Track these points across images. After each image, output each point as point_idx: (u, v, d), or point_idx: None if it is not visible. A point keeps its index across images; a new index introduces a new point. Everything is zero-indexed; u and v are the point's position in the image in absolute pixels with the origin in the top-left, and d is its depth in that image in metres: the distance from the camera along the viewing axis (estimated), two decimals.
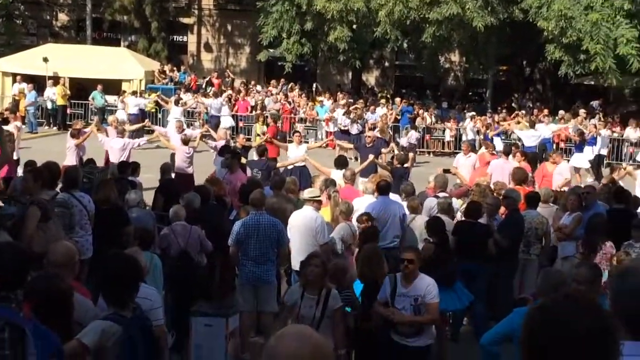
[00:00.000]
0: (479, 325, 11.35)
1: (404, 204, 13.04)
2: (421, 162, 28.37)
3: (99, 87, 32.88)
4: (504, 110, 33.74)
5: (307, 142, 25.66)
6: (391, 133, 28.37)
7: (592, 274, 6.27)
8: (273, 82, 38.18)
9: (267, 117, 28.47)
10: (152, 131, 22.72)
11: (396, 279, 8.49)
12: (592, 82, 36.46)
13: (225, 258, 11.18)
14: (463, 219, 12.38)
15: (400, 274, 8.48)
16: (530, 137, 26.85)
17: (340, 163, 15.88)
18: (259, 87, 37.62)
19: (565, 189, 16.07)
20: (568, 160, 19.43)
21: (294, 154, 18.66)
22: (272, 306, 10.25)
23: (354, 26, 35.60)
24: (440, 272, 10.47)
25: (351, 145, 22.50)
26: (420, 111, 32.94)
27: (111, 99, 33.25)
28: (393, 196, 13.21)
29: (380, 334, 8.51)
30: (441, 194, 13.82)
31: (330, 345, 2.70)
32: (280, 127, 26.28)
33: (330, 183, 13.42)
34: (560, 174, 18.16)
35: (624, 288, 3.28)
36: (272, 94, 35.01)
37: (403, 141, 25.98)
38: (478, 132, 29.99)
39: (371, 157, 17.49)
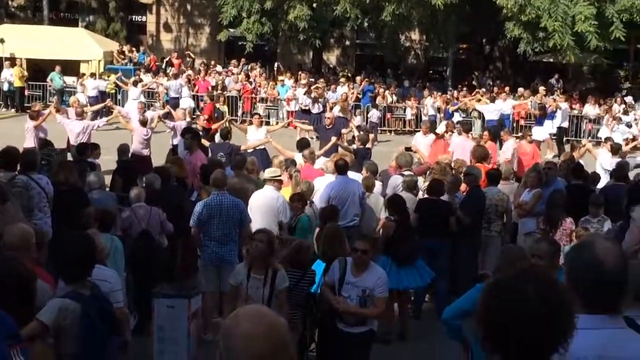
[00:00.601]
0: (441, 302, 11.42)
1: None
2: (383, 141, 28.45)
3: (57, 68, 32.42)
4: (464, 88, 33.88)
5: (268, 123, 25.61)
6: (352, 112, 28.40)
7: (551, 249, 6.31)
8: (233, 62, 37.89)
9: (227, 97, 28.34)
10: (112, 111, 22.45)
11: (346, 264, 8.21)
12: (551, 60, 36.68)
13: (187, 239, 11.16)
14: (425, 196, 12.42)
15: (351, 260, 8.19)
16: (491, 111, 27.11)
17: (303, 145, 15.83)
18: (219, 67, 37.37)
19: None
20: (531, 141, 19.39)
21: (253, 136, 18.59)
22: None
23: (314, 5, 35.48)
24: (401, 250, 10.56)
25: (310, 127, 22.46)
26: (381, 90, 32.95)
27: (69, 80, 32.84)
28: (353, 175, 13.25)
29: (324, 318, 8.38)
30: (407, 172, 13.86)
31: (285, 324, 2.68)
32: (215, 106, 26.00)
33: (290, 163, 13.40)
34: (503, 152, 18.20)
35: (579, 262, 3.30)
36: (232, 74, 34.80)
37: (358, 120, 25.94)
38: (439, 109, 30.09)
39: (333, 139, 17.46)
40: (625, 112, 29.39)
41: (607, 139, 19.23)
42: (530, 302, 2.75)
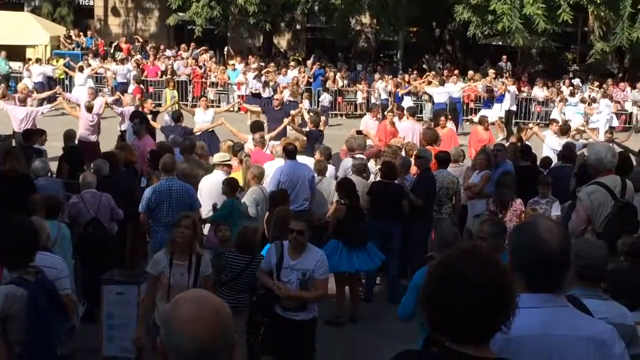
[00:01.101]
0: (392, 285, 11.49)
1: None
2: (334, 125, 28.48)
3: (2, 53, 31.78)
4: (415, 72, 34.00)
5: (219, 107, 25.48)
6: (302, 96, 28.34)
7: (494, 230, 6.35)
8: (183, 46, 37.61)
9: (177, 82, 28.11)
10: (56, 98, 22.05)
11: (282, 247, 7.88)
12: (500, 43, 36.97)
13: (136, 225, 11.06)
14: (378, 179, 12.44)
15: (288, 243, 7.86)
16: (439, 94, 27.25)
17: (257, 127, 15.78)
18: (168, 52, 37.00)
19: None
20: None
21: (200, 119, 18.47)
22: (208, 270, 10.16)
23: None
24: (352, 233, 10.57)
25: (259, 109, 22.40)
26: (332, 74, 32.93)
27: (15, 65, 32.28)
28: (304, 159, 13.24)
29: (263, 305, 8.10)
30: (357, 155, 13.89)
31: (226, 308, 2.65)
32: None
33: (240, 147, 13.34)
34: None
35: (522, 242, 3.33)
36: (182, 59, 34.51)
37: (307, 104, 25.88)
38: (390, 93, 30.18)
39: (286, 120, 17.41)
40: (572, 94, 29.74)
41: (553, 120, 19.39)
42: (470, 282, 2.76)
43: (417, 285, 6.15)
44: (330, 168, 13.40)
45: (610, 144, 11.52)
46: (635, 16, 31.57)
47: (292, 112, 19.23)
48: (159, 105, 24.13)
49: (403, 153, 14.06)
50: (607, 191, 7.56)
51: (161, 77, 31.88)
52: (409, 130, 18.03)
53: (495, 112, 27.00)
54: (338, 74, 33.37)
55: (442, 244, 6.91)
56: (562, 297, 3.33)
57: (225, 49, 37.89)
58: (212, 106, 25.40)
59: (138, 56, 34.48)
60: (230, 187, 10.93)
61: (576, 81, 33.58)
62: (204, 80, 33.06)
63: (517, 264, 3.29)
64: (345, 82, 33.30)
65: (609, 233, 7.22)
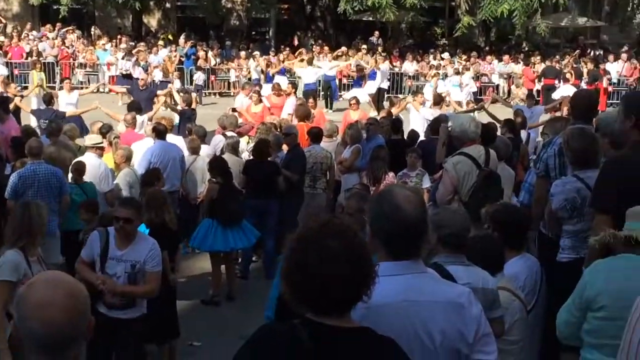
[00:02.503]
0: (268, 262, 11.52)
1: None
2: (208, 104, 28.27)
3: None
4: (287, 49, 33.99)
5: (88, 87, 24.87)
6: (173, 75, 28.05)
7: (359, 204, 6.45)
8: (48, 26, 36.33)
9: (43, 64, 27.24)
10: None
11: (108, 235, 7.05)
12: (371, 18, 37.39)
13: (3, 212, 10.69)
14: (251, 157, 12.42)
15: (114, 231, 7.06)
16: (310, 75, 27.26)
17: (135, 107, 15.53)
18: (34, 33, 35.74)
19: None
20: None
21: (65, 101, 18.04)
22: (57, 258, 9.90)
23: None
24: (226, 212, 10.54)
25: (124, 89, 22.05)
26: (203, 52, 32.56)
27: None
28: (175, 139, 13.13)
29: None
30: (229, 133, 13.86)
31: (84, 291, 2.59)
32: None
33: (109, 128, 13.08)
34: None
35: (379, 211, 3.38)
36: (48, 39, 33.43)
37: (177, 84, 25.56)
38: (262, 71, 30.09)
39: (161, 100, 17.19)
40: (437, 68, 30.33)
41: (421, 92, 19.86)
42: (333, 254, 2.80)
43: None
44: (205, 147, 13.31)
45: (472, 114, 11.80)
46: None
47: (160, 92, 19.01)
48: (25, 88, 23.35)
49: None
50: (472, 161, 7.77)
51: (26, 59, 30.82)
52: (289, 107, 18.19)
53: (367, 90, 27.30)
54: (210, 53, 33.05)
55: (308, 217, 6.95)
56: (421, 263, 3.40)
57: (92, 28, 36.93)
58: (80, 88, 24.81)
59: (1, 37, 33.20)
60: (78, 172, 10.70)
61: (445, 55, 34.34)
62: (72, 61, 32.17)
63: (376, 232, 3.34)
64: (218, 60, 33.02)
65: (474, 201, 7.44)
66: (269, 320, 6.58)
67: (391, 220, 3.30)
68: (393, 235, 3.30)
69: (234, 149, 12.59)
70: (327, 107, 27.08)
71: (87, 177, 10.86)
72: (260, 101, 18.23)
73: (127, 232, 6.96)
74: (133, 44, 32.92)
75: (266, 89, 23.12)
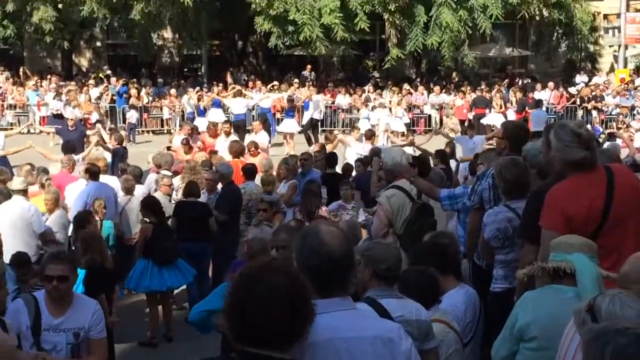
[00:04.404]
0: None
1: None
2: (142, 142, 28.08)
3: None
4: (219, 85, 33.92)
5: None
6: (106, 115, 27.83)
7: (290, 239, 6.46)
8: None
9: None
10: None
11: (37, 301, 5.78)
12: (302, 52, 37.63)
13: None
14: (182, 198, 12.27)
15: (45, 295, 5.84)
16: (239, 106, 27.22)
17: (68, 149, 15.33)
18: None
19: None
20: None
21: None
22: None
23: (60, 5, 34.40)
24: (161, 251, 10.42)
25: (54, 129, 21.86)
26: (135, 90, 32.28)
27: None
28: (108, 179, 13.02)
29: None
30: (163, 171, 13.77)
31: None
32: None
33: (42, 171, 12.91)
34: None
35: (306, 248, 3.39)
36: None
37: (109, 123, 25.33)
38: (195, 106, 29.94)
39: (94, 140, 17.03)
40: (367, 101, 30.53)
41: (355, 127, 20.04)
42: (276, 293, 2.87)
43: (219, 296, 6.17)
44: (140, 187, 13.20)
45: (403, 149, 11.90)
46: (428, 23, 33.07)
47: (89, 132, 18.86)
48: None
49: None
50: (405, 194, 7.85)
51: None
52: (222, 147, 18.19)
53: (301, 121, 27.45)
54: (143, 91, 32.86)
55: (249, 255, 6.96)
56: (349, 300, 3.42)
57: (21, 69, 36.50)
58: (10, 129, 24.46)
59: None
60: None
61: (375, 87, 34.75)
62: (1, 102, 31.72)
63: (304, 270, 3.32)
64: (150, 98, 32.83)
65: (409, 234, 7.53)
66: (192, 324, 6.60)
67: (316, 256, 3.33)
68: (319, 272, 3.32)
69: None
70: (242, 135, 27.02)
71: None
72: (191, 149, 17.80)
73: (61, 293, 5.75)
74: (63, 83, 32.58)
75: (201, 124, 23.11)
